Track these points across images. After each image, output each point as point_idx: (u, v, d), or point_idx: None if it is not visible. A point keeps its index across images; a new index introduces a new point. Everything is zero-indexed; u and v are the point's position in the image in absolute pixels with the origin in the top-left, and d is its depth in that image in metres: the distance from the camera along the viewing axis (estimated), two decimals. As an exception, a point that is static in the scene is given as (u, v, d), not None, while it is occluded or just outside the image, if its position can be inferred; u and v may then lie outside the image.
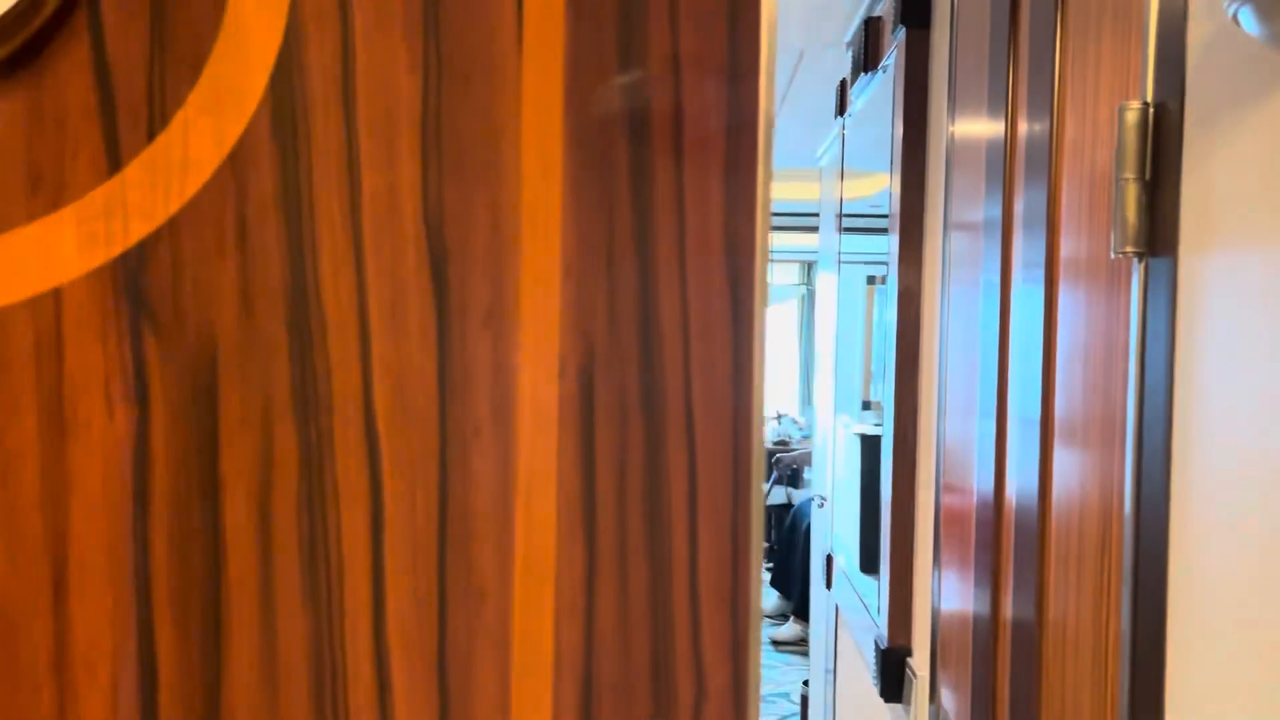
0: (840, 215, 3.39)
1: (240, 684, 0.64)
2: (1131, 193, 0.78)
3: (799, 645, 5.53)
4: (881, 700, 1.69)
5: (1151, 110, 0.78)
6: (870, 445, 2.70)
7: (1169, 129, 0.76)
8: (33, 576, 0.64)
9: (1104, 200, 0.87)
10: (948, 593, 1.50)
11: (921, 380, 1.82)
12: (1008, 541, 1.20)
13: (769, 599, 6.52)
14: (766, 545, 7.81)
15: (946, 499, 1.53)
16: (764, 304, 0.76)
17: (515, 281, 0.65)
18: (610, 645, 0.67)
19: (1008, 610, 1.20)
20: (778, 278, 9.06)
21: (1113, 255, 0.82)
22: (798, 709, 4.57)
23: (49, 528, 0.64)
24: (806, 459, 6.93)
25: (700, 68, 0.66)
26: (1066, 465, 1.05)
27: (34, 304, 0.62)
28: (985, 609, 1.27)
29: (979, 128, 1.38)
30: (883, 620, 1.76)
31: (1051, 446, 1.08)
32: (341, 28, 0.60)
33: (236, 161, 0.60)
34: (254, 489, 0.63)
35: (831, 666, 2.81)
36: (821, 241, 4.13)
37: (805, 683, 4.20)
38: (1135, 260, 0.81)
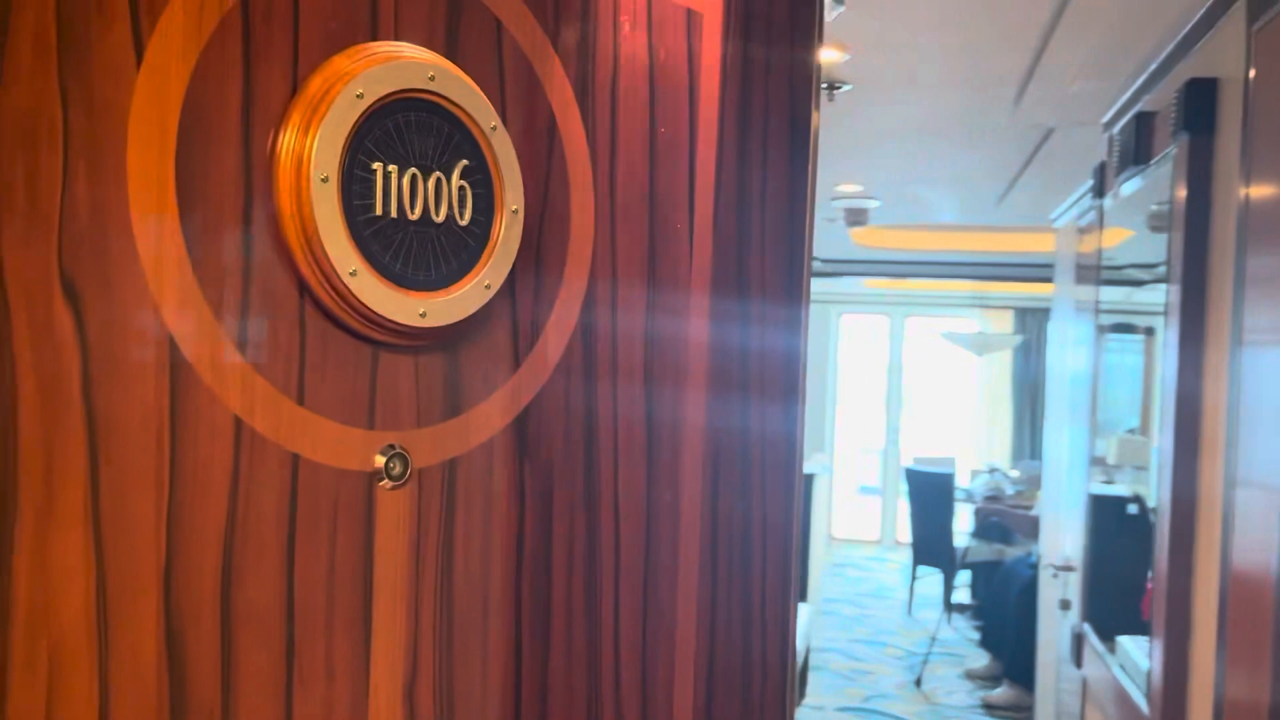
0: (1099, 267, 3.34)
1: None
2: None
3: (1013, 711, 5.36)
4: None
5: None
6: (1102, 506, 2.64)
7: None
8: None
9: None
10: (1234, 681, 1.48)
11: (1204, 444, 1.79)
12: None
13: (979, 660, 6.34)
14: (973, 603, 7.57)
15: (1236, 580, 1.52)
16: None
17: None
18: None
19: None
20: (992, 324, 8.82)
21: None
22: (1016, 780, 4.43)
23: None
24: (1017, 519, 6.71)
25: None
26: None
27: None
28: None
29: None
30: (1156, 713, 1.75)
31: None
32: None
33: None
34: None
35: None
36: (1056, 293, 4.06)
37: (1027, 754, 4.08)
38: None
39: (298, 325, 0.71)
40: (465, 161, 0.78)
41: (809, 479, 7.82)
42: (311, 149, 0.69)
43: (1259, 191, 1.49)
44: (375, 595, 0.76)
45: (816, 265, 6.68)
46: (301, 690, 0.72)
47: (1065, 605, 2.98)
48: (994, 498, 7.50)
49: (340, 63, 0.72)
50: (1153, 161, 1.98)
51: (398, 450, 0.77)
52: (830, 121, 2.94)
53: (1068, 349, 3.83)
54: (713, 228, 0.98)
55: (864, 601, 8.01)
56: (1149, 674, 1.81)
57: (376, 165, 0.73)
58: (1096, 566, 2.63)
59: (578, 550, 0.90)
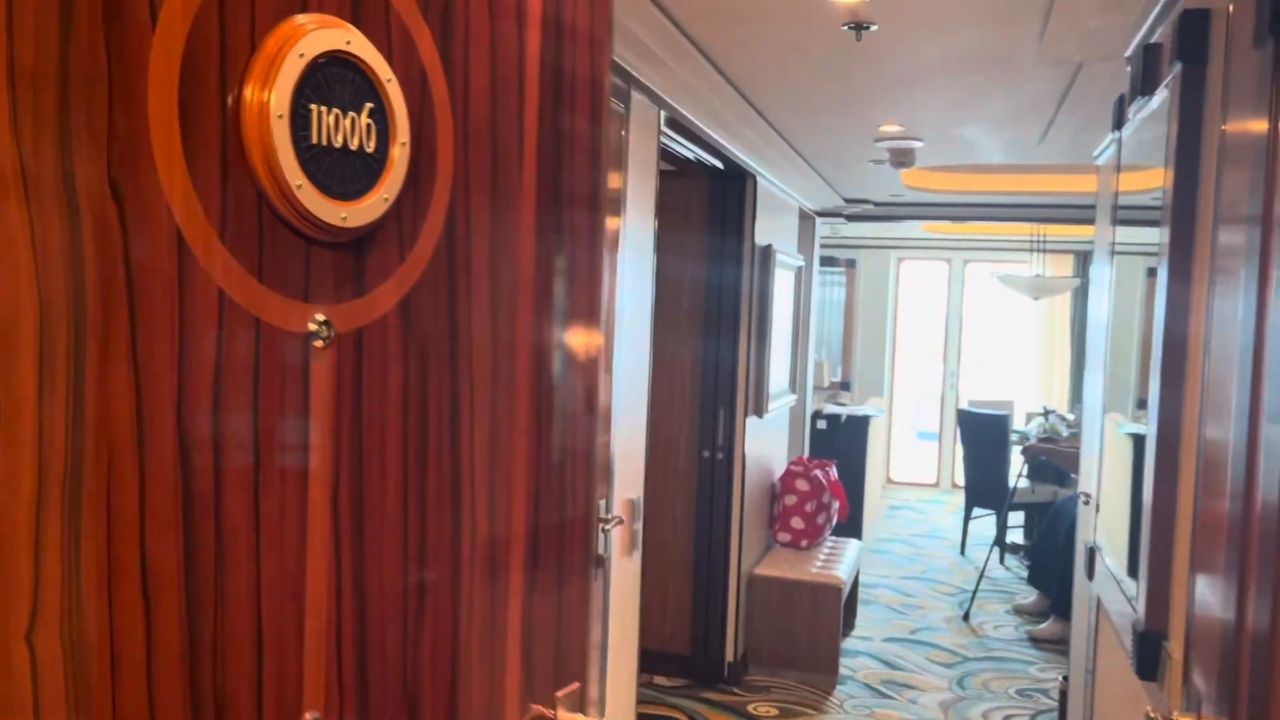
0: (1115, 208, 3.40)
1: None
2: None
3: (1058, 644, 5.48)
4: (1138, 679, 1.82)
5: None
6: (1142, 446, 2.75)
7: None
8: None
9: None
10: (1202, 587, 1.62)
11: (1188, 380, 1.90)
12: (1255, 545, 1.33)
13: (1028, 596, 6.44)
14: (1025, 543, 7.65)
15: (1204, 500, 1.65)
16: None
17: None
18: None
19: (1250, 609, 1.33)
20: (1052, 269, 8.76)
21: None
22: (1055, 704, 4.57)
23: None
24: (1068, 459, 6.74)
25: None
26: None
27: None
28: (1232, 606, 1.41)
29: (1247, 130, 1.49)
30: (1141, 606, 1.89)
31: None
32: None
33: None
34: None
35: (1091, 657, 2.89)
36: (1097, 235, 4.10)
37: (1064, 678, 4.22)
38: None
39: (259, 223, 0.97)
40: (370, 105, 1.05)
41: (864, 420, 7.93)
42: (271, 94, 0.95)
43: (1232, 127, 1.58)
44: (311, 424, 1.04)
45: (869, 209, 6.73)
46: (265, 492, 1.00)
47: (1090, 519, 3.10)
48: (1049, 440, 7.52)
49: (285, 29, 0.97)
50: (1156, 93, 2.05)
51: (325, 319, 1.04)
52: (863, 62, 3.04)
53: (1100, 292, 3.88)
54: (536, 155, 1.34)
55: (917, 541, 8.14)
56: (1138, 579, 1.94)
57: (314, 106, 0.99)
58: (1119, 497, 2.75)
59: (445, 399, 1.22)
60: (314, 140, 1.00)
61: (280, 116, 0.96)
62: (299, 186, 0.98)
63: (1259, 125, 1.44)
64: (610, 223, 2.88)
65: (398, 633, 1.18)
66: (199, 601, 0.94)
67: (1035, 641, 5.71)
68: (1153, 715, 1.55)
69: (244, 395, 0.97)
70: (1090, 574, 2.68)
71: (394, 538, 1.16)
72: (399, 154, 1.09)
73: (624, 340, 3.00)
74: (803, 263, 6.05)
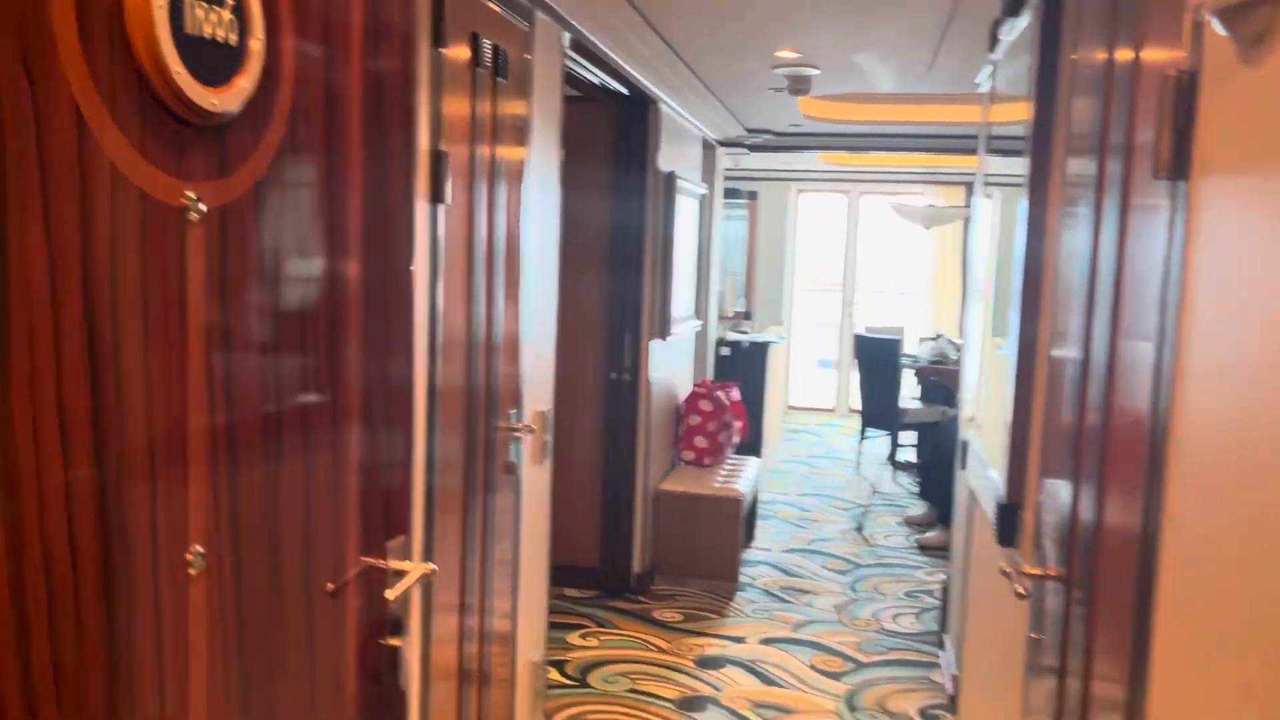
0: (990, 138, 3.61)
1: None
2: (1167, 133, 1.11)
3: (943, 551, 5.84)
4: (999, 546, 2.05)
5: (1185, 77, 1.09)
6: (992, 360, 2.98)
7: (1192, 92, 1.07)
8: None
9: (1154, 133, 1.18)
10: (1047, 469, 1.83)
11: (1043, 305, 2.08)
12: (1086, 444, 1.52)
13: (918, 509, 6.83)
14: (916, 461, 8.05)
15: (1050, 409, 1.85)
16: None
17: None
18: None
19: (1083, 491, 1.53)
20: (943, 200, 9.09)
21: (1154, 179, 1.15)
22: (938, 602, 4.92)
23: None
24: (956, 379, 7.10)
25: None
26: (1125, 356, 1.37)
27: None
28: (1066, 478, 1.62)
29: (1091, 59, 1.66)
30: (1003, 486, 2.11)
31: (1116, 338, 1.40)
32: None
33: None
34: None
35: (965, 541, 3.15)
36: (978, 165, 4.33)
37: (947, 575, 4.55)
38: (1168, 183, 1.13)
39: (142, 104, 1.10)
40: (232, 2, 1.20)
41: (764, 347, 8.20)
42: None
43: (1080, 56, 1.75)
44: (188, 287, 1.21)
45: (769, 140, 6.88)
46: (155, 352, 1.16)
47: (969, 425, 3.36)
48: (939, 362, 7.91)
49: None
50: (1021, 13, 2.21)
51: (196, 196, 1.19)
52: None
53: (980, 222, 4.13)
54: (361, 87, 1.59)
55: (815, 462, 8.49)
56: (1001, 473, 2.16)
57: (185, -1, 1.14)
58: (981, 400, 3.01)
59: (293, 269, 1.45)
60: (187, 30, 1.12)
61: (160, 6, 1.07)
62: (177, 72, 1.10)
63: (1101, 55, 1.61)
64: (516, 151, 2.96)
65: (263, 478, 1.40)
66: (105, 442, 1.09)
67: (923, 549, 6.08)
68: (1008, 570, 1.76)
69: (133, 258, 1.12)
70: (963, 464, 2.94)
71: (256, 388, 1.37)
72: (256, 48, 1.24)
73: (531, 263, 3.10)
74: (706, 191, 6.19)
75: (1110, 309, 1.42)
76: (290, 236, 1.46)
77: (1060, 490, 1.68)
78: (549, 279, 3.37)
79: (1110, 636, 1.33)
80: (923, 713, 3.89)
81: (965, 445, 2.99)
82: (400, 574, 1.76)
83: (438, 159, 2.34)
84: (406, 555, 1.82)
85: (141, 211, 1.13)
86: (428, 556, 2.44)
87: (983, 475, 2.52)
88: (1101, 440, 1.43)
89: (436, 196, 2.34)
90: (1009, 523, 2.01)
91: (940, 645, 4.45)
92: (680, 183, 5.23)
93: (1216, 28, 0.93)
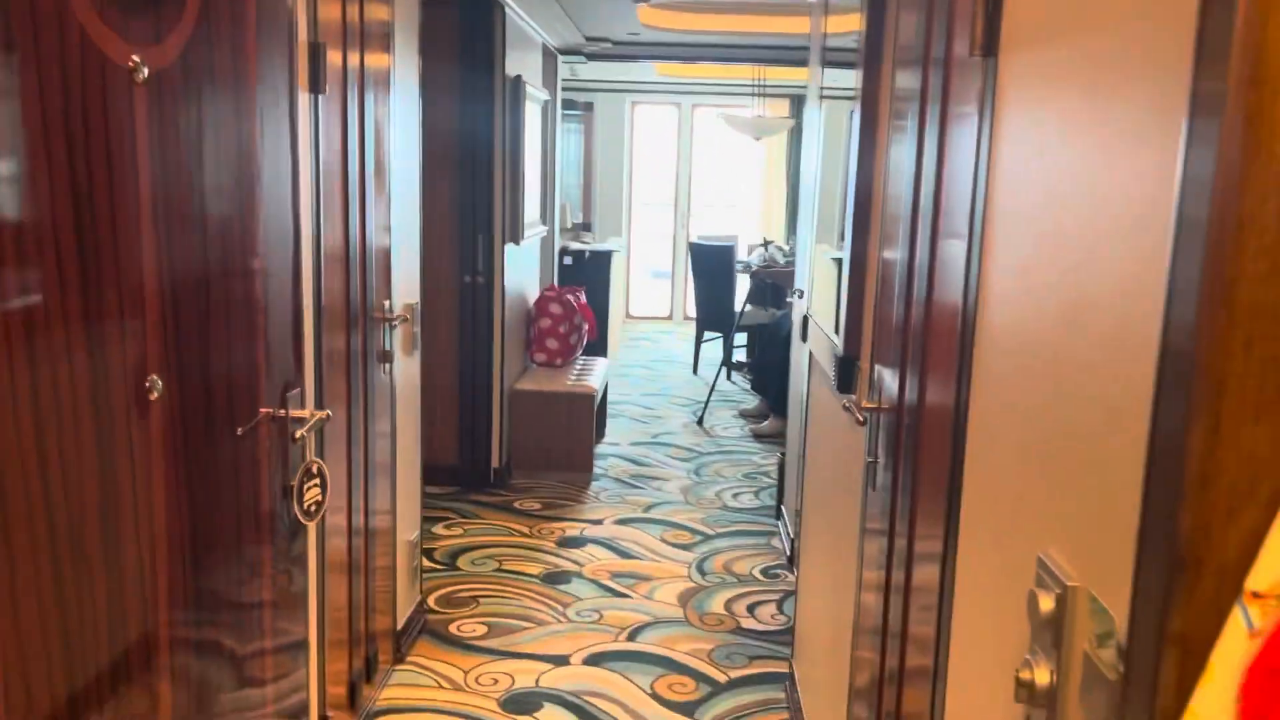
0: (824, 50, 3.90)
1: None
2: (981, 12, 1.39)
3: (776, 438, 6.33)
4: (839, 393, 2.39)
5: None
6: (823, 261, 3.31)
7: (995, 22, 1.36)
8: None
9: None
10: (877, 333, 2.15)
11: (876, 203, 2.35)
12: (911, 328, 1.82)
13: (751, 403, 7.31)
14: (749, 360, 8.55)
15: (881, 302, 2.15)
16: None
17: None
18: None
19: (909, 364, 1.85)
20: (769, 111, 9.47)
21: (969, 55, 1.43)
22: (774, 481, 5.38)
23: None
24: (787, 279, 7.56)
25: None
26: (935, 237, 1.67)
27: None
28: (896, 325, 1.93)
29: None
30: (841, 344, 2.44)
31: (936, 239, 1.70)
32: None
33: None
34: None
35: (805, 409, 3.52)
36: (810, 78, 4.64)
37: (782, 453, 4.99)
38: (982, 58, 1.41)
39: None
40: None
41: (607, 256, 8.45)
42: None
43: None
44: (137, 142, 1.40)
45: (607, 48, 7.02)
46: (121, 203, 1.36)
47: (800, 297, 3.72)
48: (768, 267, 8.36)
49: None
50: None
51: (140, 59, 1.39)
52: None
53: (811, 133, 4.45)
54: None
55: (656, 366, 8.88)
56: (838, 330, 2.49)
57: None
58: (818, 293, 3.36)
59: (207, 133, 1.66)
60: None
61: None
62: None
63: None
64: (382, 59, 3.04)
65: (198, 317, 1.66)
66: (88, 278, 1.29)
67: (757, 437, 6.56)
68: (848, 406, 2.09)
69: (99, 109, 1.30)
70: (804, 336, 3.29)
71: (191, 240, 1.61)
72: None
73: (397, 166, 3.21)
74: (549, 97, 6.31)
75: (931, 211, 1.71)
76: (210, 108, 1.64)
77: (889, 365, 1.99)
78: (412, 182, 3.48)
79: (933, 469, 1.66)
80: (765, 571, 4.32)
81: (806, 321, 3.34)
82: (300, 420, 2.02)
83: (316, 50, 2.42)
84: (303, 406, 2.10)
85: (102, 73, 1.28)
86: (318, 452, 2.59)
87: (822, 340, 2.86)
88: (924, 324, 1.73)
89: (315, 86, 2.44)
90: (846, 372, 2.34)
91: (777, 516, 4.90)
92: (527, 88, 5.34)
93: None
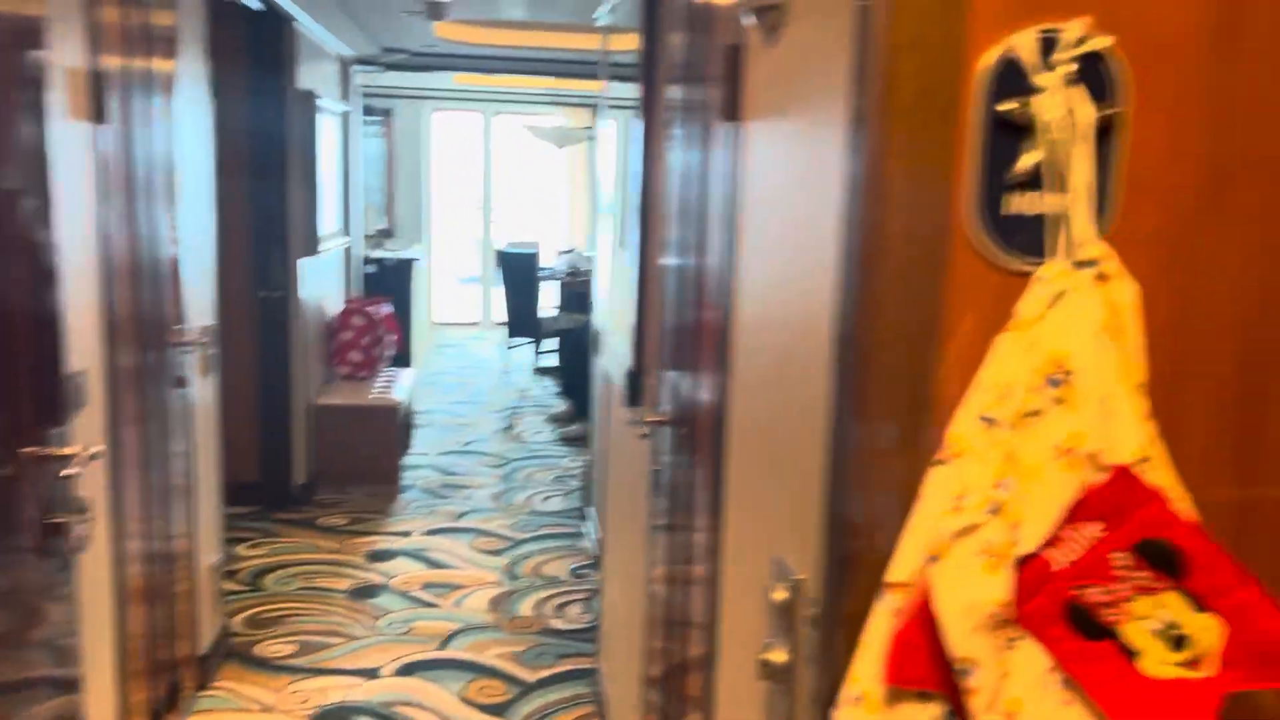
0: (610, 65, 4.10)
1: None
2: (727, 90, 1.58)
3: (584, 441, 6.51)
4: (628, 406, 2.57)
5: (734, 49, 1.57)
6: (620, 267, 3.50)
7: (738, 58, 1.55)
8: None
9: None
10: (662, 349, 2.34)
11: (656, 214, 2.54)
12: (684, 335, 2.02)
13: (562, 407, 7.47)
14: (558, 365, 8.71)
15: (661, 307, 2.34)
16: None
17: None
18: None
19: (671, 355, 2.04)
20: (572, 121, 9.67)
21: (719, 123, 1.63)
22: (581, 484, 5.56)
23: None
24: (587, 286, 7.77)
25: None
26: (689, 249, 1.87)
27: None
28: (670, 357, 2.12)
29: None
30: (630, 359, 2.63)
31: (705, 250, 1.90)
32: None
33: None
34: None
35: (604, 419, 3.71)
36: (602, 90, 4.84)
37: (588, 459, 5.17)
38: (729, 124, 1.61)
39: None
40: None
41: (409, 264, 8.41)
42: None
43: None
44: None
45: (405, 59, 7.02)
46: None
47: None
48: (574, 274, 8.55)
49: None
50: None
51: None
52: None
53: (604, 143, 4.65)
54: None
55: (465, 373, 8.91)
56: (630, 348, 2.68)
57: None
58: (611, 302, 3.55)
59: None
60: None
61: None
62: None
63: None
64: (166, 64, 3.00)
65: None
66: None
67: (567, 441, 6.73)
68: (634, 420, 2.27)
69: None
70: (596, 350, 3.48)
71: None
72: None
73: (186, 181, 3.17)
74: (346, 109, 6.25)
75: (696, 224, 1.90)
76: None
77: (668, 359, 2.19)
78: (204, 194, 3.43)
79: (704, 472, 1.85)
80: (573, 571, 4.49)
81: (598, 335, 3.52)
82: (68, 458, 2.01)
83: (98, 78, 2.40)
84: (73, 442, 2.08)
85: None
86: (111, 475, 2.55)
87: (615, 355, 3.04)
88: (696, 333, 1.92)
89: (99, 116, 2.41)
90: (635, 386, 2.53)
91: (584, 517, 5.08)
92: (320, 101, 5.29)
93: (748, 19, 1.39)
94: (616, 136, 4.60)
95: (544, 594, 4.24)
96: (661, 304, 2.33)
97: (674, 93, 2.24)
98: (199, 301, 3.34)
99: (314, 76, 5.35)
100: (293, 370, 5.14)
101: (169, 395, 3.02)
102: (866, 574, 0.85)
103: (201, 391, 3.38)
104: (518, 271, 8.47)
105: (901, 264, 0.80)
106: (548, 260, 9.48)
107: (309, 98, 5.15)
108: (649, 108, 2.54)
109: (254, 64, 4.86)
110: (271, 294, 5.05)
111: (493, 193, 10.94)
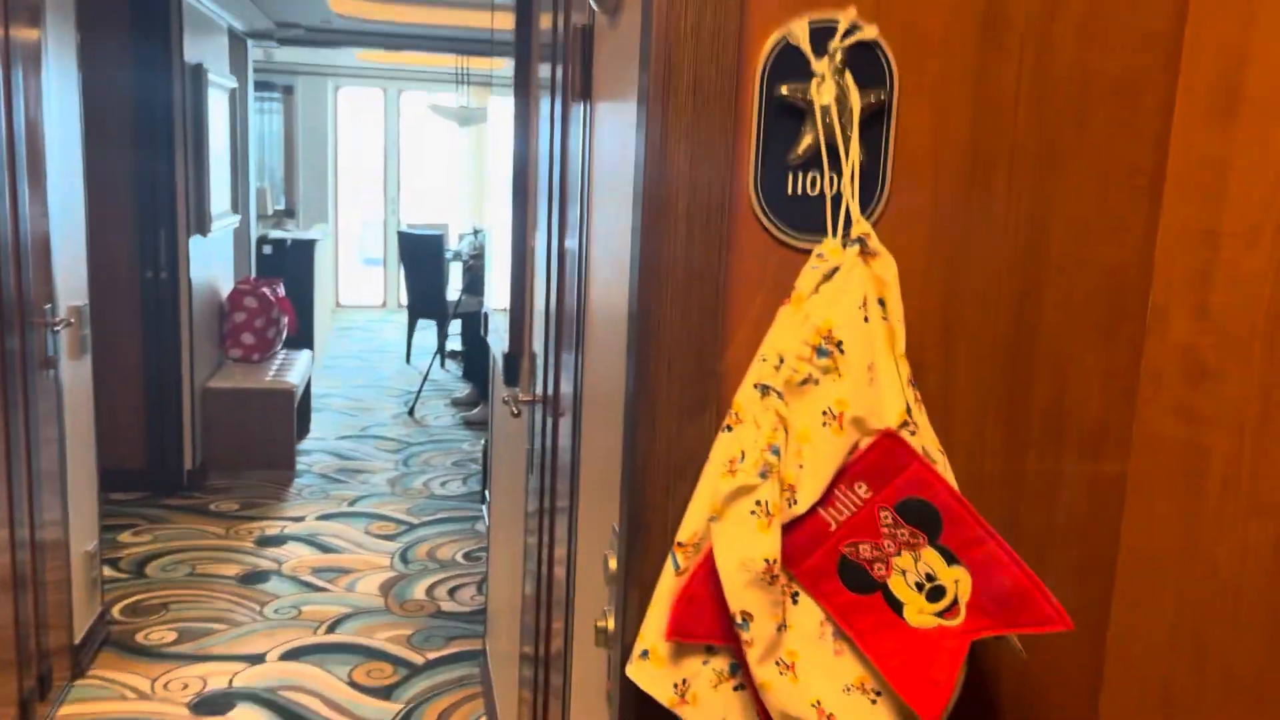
0: (496, 43, 4.08)
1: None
2: (580, 69, 1.60)
3: (485, 425, 6.49)
4: (505, 385, 2.59)
5: (586, 30, 1.59)
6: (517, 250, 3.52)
7: (589, 38, 1.58)
8: None
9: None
10: (536, 331, 2.36)
11: (529, 198, 2.54)
12: (550, 313, 2.04)
13: (464, 390, 7.44)
14: (462, 349, 8.66)
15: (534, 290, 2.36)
16: None
17: None
18: None
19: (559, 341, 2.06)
20: (476, 100, 9.58)
21: (573, 102, 1.65)
22: (481, 467, 5.55)
23: None
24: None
25: None
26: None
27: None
28: (549, 341, 2.14)
29: None
30: (506, 336, 2.64)
31: (564, 231, 1.92)
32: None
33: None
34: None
35: (493, 403, 3.71)
36: (497, 68, 4.82)
37: (486, 440, 5.16)
38: (581, 103, 1.64)
39: None
40: None
41: (310, 244, 8.25)
42: None
43: None
44: None
45: (300, 34, 6.87)
46: None
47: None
48: (478, 256, 8.50)
49: None
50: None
51: None
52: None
53: (497, 121, 4.63)
54: None
55: (367, 356, 8.79)
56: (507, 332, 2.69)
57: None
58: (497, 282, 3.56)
59: None
60: None
61: None
62: None
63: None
64: (29, 31, 2.90)
65: None
66: None
67: (469, 425, 6.71)
68: (507, 399, 2.28)
69: None
70: (485, 331, 3.49)
71: None
72: None
73: (54, 153, 3.07)
74: (236, 85, 6.10)
75: (559, 204, 1.92)
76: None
77: (541, 353, 2.21)
78: (73, 169, 3.33)
79: (567, 451, 1.88)
80: (467, 555, 4.49)
81: (487, 316, 3.53)
82: None
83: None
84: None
85: None
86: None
87: (498, 336, 3.06)
88: (560, 314, 1.94)
89: (-50, 86, 2.32)
90: (512, 367, 2.54)
91: (483, 500, 5.08)
92: (209, 75, 5.16)
93: (593, 2, 1.42)
94: (503, 115, 4.58)
95: (436, 578, 4.24)
96: (533, 285, 2.35)
97: (544, 71, 2.25)
98: (70, 281, 3.25)
99: (202, 50, 5.21)
100: (181, 353, 5.02)
101: (36, 378, 2.93)
102: (660, 537, 0.89)
103: (75, 373, 3.29)
104: (421, 252, 8.39)
105: (686, 240, 0.84)
106: (452, 242, 9.40)
107: (198, 71, 5.01)
108: (521, 85, 2.55)
109: (138, 35, 4.71)
110: (159, 274, 4.92)
111: (398, 172, 10.79)
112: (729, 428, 0.84)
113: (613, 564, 1.27)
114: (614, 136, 1.35)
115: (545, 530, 2.14)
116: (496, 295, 3.56)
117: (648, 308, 0.84)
